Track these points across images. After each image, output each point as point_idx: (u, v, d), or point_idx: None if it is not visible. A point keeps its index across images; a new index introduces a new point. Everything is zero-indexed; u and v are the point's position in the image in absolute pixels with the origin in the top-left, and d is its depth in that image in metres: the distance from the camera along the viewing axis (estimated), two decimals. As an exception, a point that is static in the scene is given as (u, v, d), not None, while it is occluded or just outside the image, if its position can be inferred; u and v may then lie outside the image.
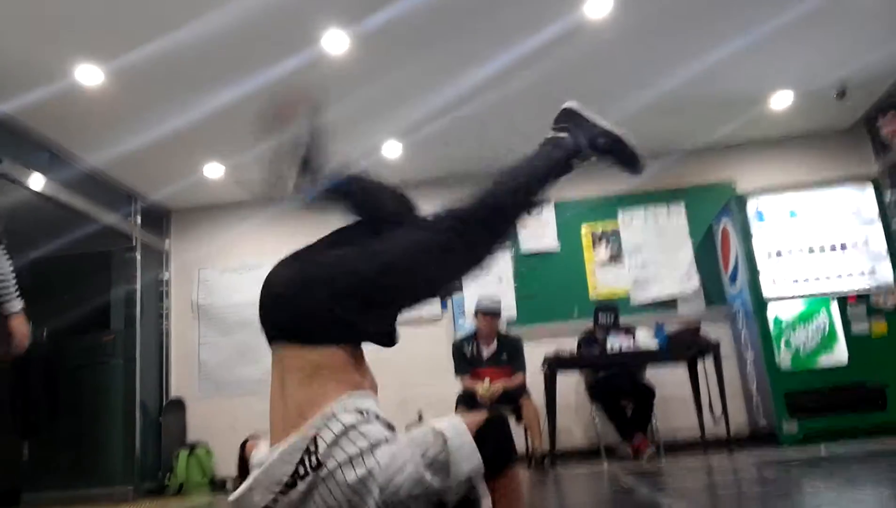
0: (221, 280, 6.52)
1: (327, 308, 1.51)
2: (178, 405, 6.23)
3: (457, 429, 1.39)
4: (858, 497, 2.09)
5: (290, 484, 1.37)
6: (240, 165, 5.79)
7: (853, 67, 5.01)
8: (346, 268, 1.59)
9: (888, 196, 5.68)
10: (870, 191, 5.25)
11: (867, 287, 5.05)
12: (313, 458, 1.37)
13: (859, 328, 4.96)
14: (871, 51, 4.81)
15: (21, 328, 3.09)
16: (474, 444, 1.37)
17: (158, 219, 6.61)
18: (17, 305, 3.09)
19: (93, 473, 5.71)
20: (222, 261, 6.56)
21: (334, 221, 1.95)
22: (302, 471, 1.37)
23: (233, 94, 4.63)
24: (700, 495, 2.60)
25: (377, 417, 1.49)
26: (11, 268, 3.14)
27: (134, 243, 6.11)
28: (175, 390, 6.32)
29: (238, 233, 6.61)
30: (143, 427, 5.89)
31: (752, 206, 5.39)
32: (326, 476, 1.36)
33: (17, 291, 3.12)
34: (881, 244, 5.13)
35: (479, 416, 1.45)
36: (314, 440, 1.39)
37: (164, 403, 6.23)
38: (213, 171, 5.88)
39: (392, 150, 5.79)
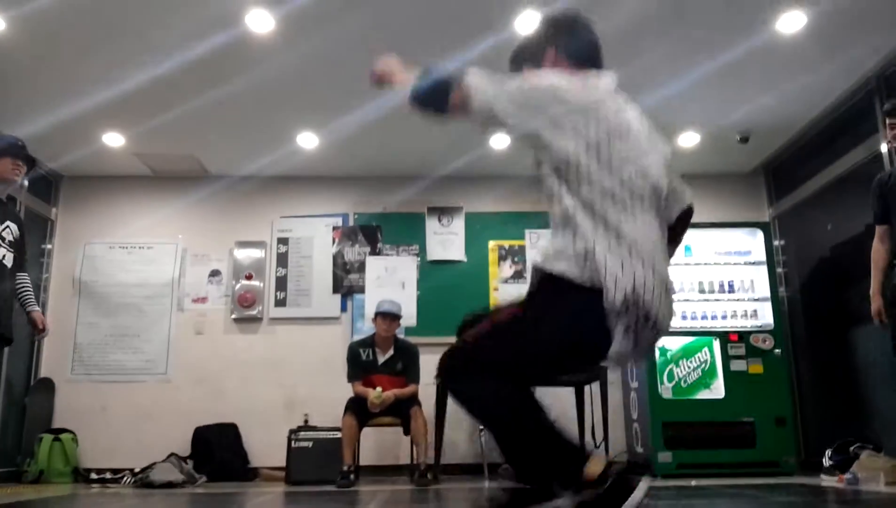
0: (108, 257, 6.17)
1: None
2: (47, 386, 5.84)
3: None
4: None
5: None
6: (142, 137, 5.52)
7: (759, 114, 5.27)
8: None
9: (776, 242, 6.01)
10: (760, 236, 5.53)
11: (748, 328, 5.31)
12: None
13: (737, 366, 5.19)
14: (777, 101, 5.07)
15: (41, 317, 4.00)
16: None
17: (47, 185, 6.20)
18: (35, 307, 4.03)
19: (-59, 452, 5.26)
20: (111, 236, 6.21)
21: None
22: None
23: (144, 66, 4.43)
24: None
25: None
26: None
27: (18, 209, 5.68)
28: (45, 369, 5.92)
29: (131, 209, 6.29)
30: (4, 406, 5.46)
31: (651, 239, 5.56)
32: None
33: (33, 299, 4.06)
34: (765, 288, 5.41)
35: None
36: None
37: (31, 382, 5.81)
38: (113, 140, 5.57)
39: (308, 141, 5.66)
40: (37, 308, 4.06)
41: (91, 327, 6.01)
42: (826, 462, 4.59)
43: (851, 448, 4.40)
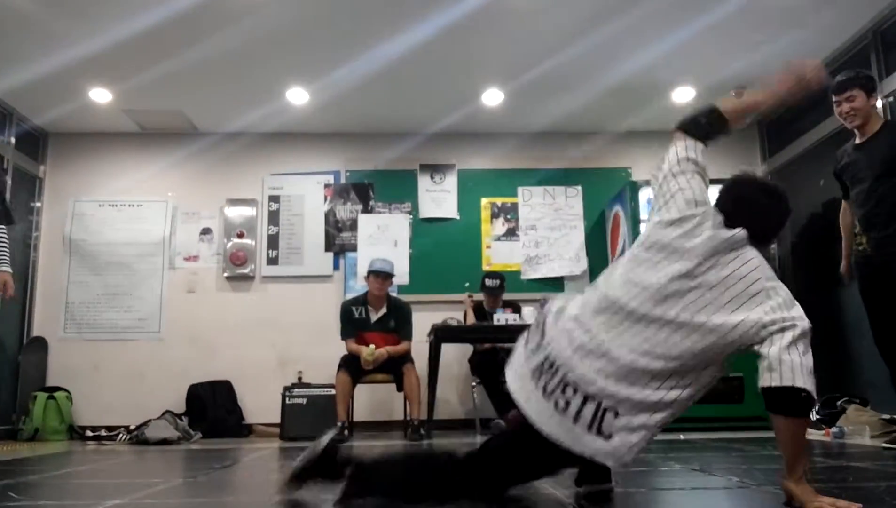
0: (97, 215, 6.12)
1: None
2: (40, 345, 5.84)
3: None
4: (709, 481, 2.19)
5: None
6: (129, 93, 5.43)
7: (754, 69, 5.21)
8: None
9: (768, 200, 5.99)
10: (753, 193, 5.50)
11: (740, 284, 5.32)
12: None
13: (728, 322, 5.22)
14: (772, 55, 5.00)
15: (9, 281, 3.97)
16: None
17: (35, 142, 6.11)
18: (6, 267, 3.97)
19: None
20: (100, 194, 6.15)
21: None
22: None
23: (130, 19, 4.32)
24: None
25: None
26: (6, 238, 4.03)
27: (6, 166, 5.61)
28: (38, 328, 5.92)
29: (120, 166, 6.22)
30: (-2, 365, 5.48)
31: (644, 195, 5.55)
32: None
33: (7, 257, 4.01)
34: (757, 245, 5.41)
35: None
36: None
37: (24, 341, 5.82)
38: (100, 96, 5.47)
39: (297, 97, 5.58)
40: (5, 268, 3.97)
41: (82, 285, 5.99)
42: (813, 416, 4.66)
43: (838, 403, 4.47)
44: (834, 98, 3.61)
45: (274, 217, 6.20)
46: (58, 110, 5.69)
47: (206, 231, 6.17)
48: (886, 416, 4.10)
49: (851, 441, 3.78)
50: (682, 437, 4.35)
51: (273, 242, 6.16)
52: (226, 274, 6.07)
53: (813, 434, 4.38)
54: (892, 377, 3.53)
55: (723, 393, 5.08)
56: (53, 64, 4.86)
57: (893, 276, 3.37)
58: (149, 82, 5.19)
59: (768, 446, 3.57)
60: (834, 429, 4.08)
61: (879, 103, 4.62)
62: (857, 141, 3.60)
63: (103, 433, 5.41)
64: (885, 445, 3.53)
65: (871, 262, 3.47)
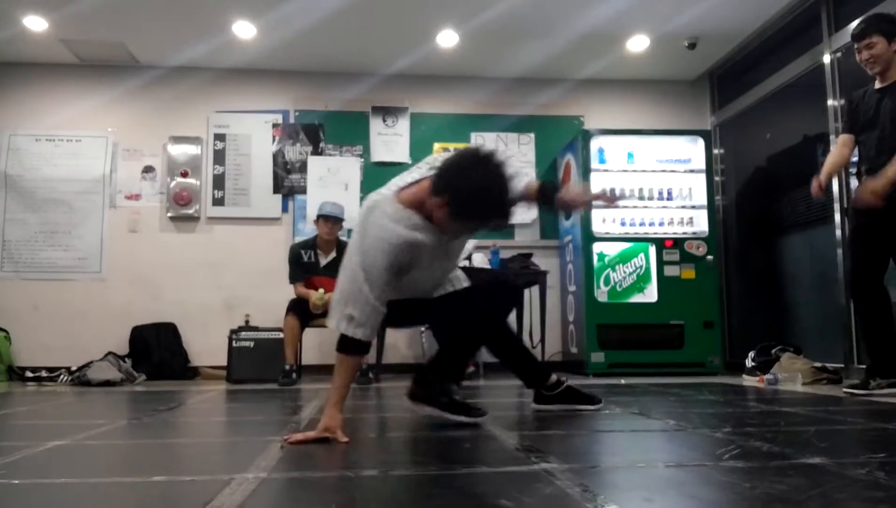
0: (34, 150, 5.87)
1: None
2: (-26, 284, 5.64)
3: None
4: (648, 424, 2.27)
5: None
6: (66, 21, 5.14)
7: (707, 20, 5.23)
8: None
9: (716, 151, 6.10)
10: (701, 144, 5.60)
11: (683, 235, 5.45)
12: None
13: (671, 271, 5.36)
14: (725, 6, 5.03)
15: None
16: None
17: (-38, 72, 5.77)
18: None
19: None
20: (37, 128, 5.88)
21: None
22: None
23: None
24: (507, 411, 2.74)
25: None
26: None
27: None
28: (-28, 266, 5.70)
29: (58, 99, 5.94)
30: (-71, 304, 5.28)
31: (595, 144, 5.58)
32: None
33: None
34: (702, 196, 5.53)
35: None
36: None
37: (-44, 279, 5.60)
38: (34, 24, 5.18)
39: (244, 30, 5.37)
40: None
41: (19, 223, 5.77)
42: (749, 363, 4.85)
43: (773, 351, 4.66)
44: (855, 45, 3.45)
45: (220, 156, 6.03)
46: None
47: (148, 169, 5.97)
48: (818, 364, 4.29)
49: (784, 388, 3.96)
50: (623, 382, 4.49)
51: (219, 182, 6.00)
52: (169, 214, 5.92)
53: (748, 381, 4.57)
54: (864, 328, 3.52)
55: (664, 340, 5.25)
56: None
57: (887, 226, 3.32)
58: (87, 11, 4.92)
59: (704, 391, 3.71)
60: (768, 376, 4.25)
61: (827, 59, 4.70)
62: (878, 85, 3.45)
63: (44, 374, 5.29)
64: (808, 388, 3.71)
65: (871, 212, 3.31)
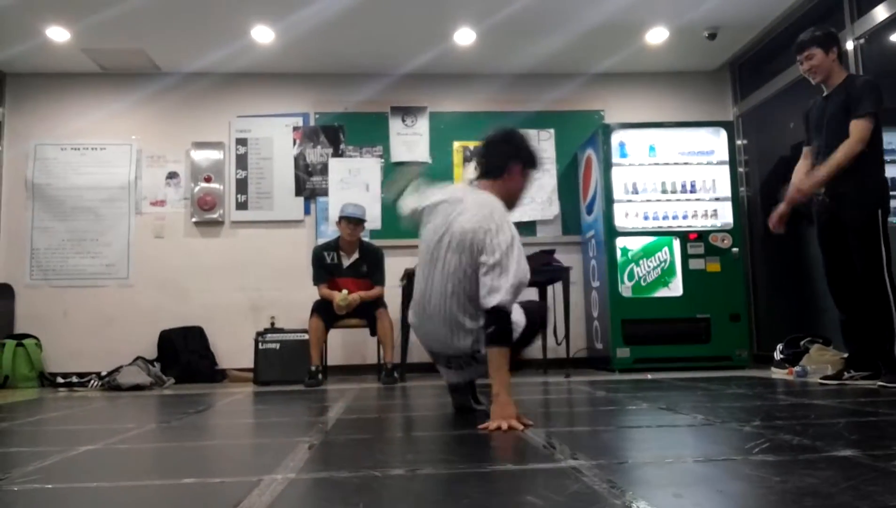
0: (60, 158, 5.96)
1: None
2: (6, 292, 5.74)
3: None
4: (676, 419, 2.25)
5: None
6: (88, 32, 5.22)
7: (727, 9, 5.17)
8: None
9: (739, 141, 6.03)
10: (724, 135, 5.54)
11: (708, 227, 5.40)
12: None
13: (696, 264, 5.31)
14: None
15: None
16: None
17: (-9, 84, 5.89)
18: None
19: None
20: (62, 137, 5.98)
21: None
22: None
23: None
24: (536, 408, 2.73)
25: None
26: None
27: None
28: (3, 275, 5.81)
29: (82, 108, 6.04)
30: (-38, 313, 5.38)
31: (616, 138, 5.54)
32: None
33: None
34: (726, 187, 5.47)
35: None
36: None
37: (-12, 288, 5.71)
38: (57, 34, 5.26)
39: (263, 35, 5.41)
40: None
41: (47, 231, 5.87)
42: (777, 355, 4.79)
43: (802, 343, 4.59)
44: (797, 57, 3.71)
45: (242, 161, 6.09)
46: (14, 50, 5.48)
47: (172, 175, 6.05)
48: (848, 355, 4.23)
49: (814, 380, 3.90)
50: (649, 377, 4.46)
51: (242, 186, 6.06)
52: (194, 219, 5.99)
53: (776, 373, 4.51)
54: (842, 321, 3.69)
55: (690, 334, 5.20)
56: (6, 0, 4.64)
57: (843, 224, 3.53)
58: (108, 20, 4.99)
59: (732, 384, 3.67)
60: (797, 368, 4.20)
61: (850, 45, 4.62)
62: (825, 93, 3.70)
63: (74, 379, 5.38)
64: (820, 380, 3.67)
65: (828, 209, 3.61)
